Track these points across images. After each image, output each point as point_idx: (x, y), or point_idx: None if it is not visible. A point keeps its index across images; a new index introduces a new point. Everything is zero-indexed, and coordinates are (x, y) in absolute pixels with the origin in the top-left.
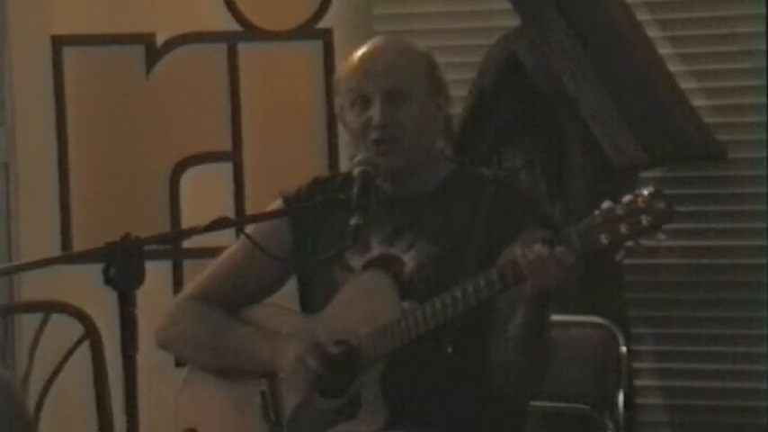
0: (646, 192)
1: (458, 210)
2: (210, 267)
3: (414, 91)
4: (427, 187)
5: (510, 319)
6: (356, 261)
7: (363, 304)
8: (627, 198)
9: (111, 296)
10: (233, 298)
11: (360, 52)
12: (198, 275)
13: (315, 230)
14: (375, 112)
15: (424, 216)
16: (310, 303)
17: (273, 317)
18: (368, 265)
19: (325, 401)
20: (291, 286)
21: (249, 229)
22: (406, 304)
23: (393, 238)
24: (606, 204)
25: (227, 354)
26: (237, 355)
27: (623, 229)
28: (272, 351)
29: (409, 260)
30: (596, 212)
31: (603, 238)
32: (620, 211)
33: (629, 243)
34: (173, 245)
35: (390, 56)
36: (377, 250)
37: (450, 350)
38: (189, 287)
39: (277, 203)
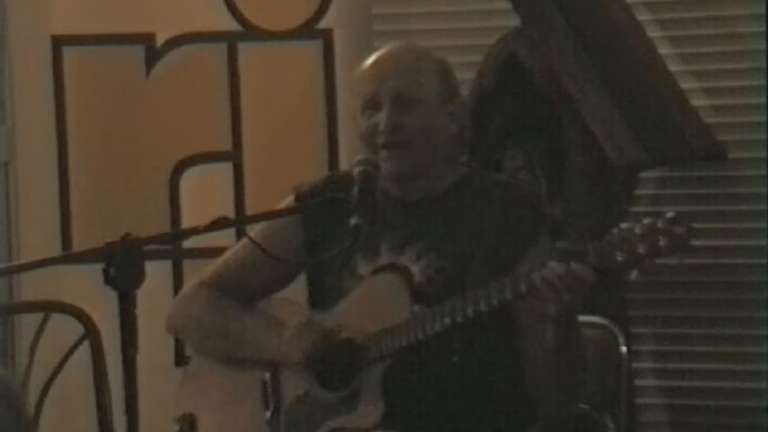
0: (667, 215)
1: (467, 217)
2: (223, 257)
3: (424, 97)
4: (436, 191)
5: (538, 334)
6: (365, 268)
7: (375, 304)
8: (647, 219)
9: (111, 296)
10: (243, 290)
11: (374, 56)
12: (211, 264)
13: (327, 230)
14: (383, 116)
15: (433, 223)
16: (318, 304)
17: (285, 310)
18: (376, 272)
19: (325, 394)
20: (303, 285)
21: (261, 223)
22: (416, 308)
23: (403, 246)
24: (625, 225)
25: (235, 341)
26: (245, 343)
27: (641, 249)
28: (278, 341)
29: (418, 272)
30: (614, 231)
31: (619, 256)
32: (638, 230)
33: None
34: (173, 245)
35: (402, 60)
36: (386, 258)
37: (456, 359)
38: (201, 274)
39: (290, 199)
